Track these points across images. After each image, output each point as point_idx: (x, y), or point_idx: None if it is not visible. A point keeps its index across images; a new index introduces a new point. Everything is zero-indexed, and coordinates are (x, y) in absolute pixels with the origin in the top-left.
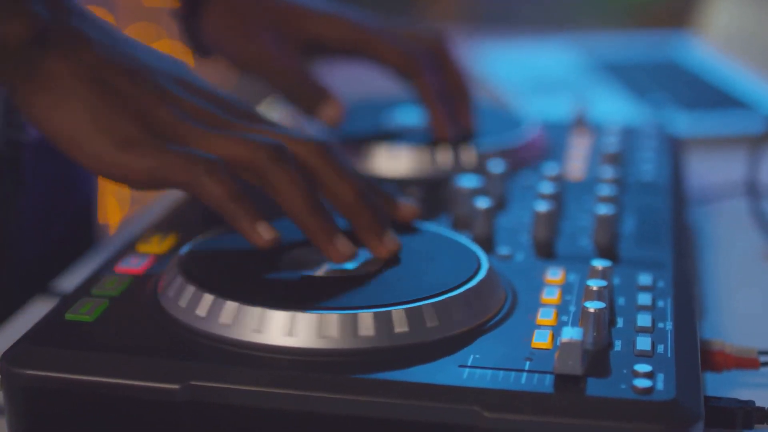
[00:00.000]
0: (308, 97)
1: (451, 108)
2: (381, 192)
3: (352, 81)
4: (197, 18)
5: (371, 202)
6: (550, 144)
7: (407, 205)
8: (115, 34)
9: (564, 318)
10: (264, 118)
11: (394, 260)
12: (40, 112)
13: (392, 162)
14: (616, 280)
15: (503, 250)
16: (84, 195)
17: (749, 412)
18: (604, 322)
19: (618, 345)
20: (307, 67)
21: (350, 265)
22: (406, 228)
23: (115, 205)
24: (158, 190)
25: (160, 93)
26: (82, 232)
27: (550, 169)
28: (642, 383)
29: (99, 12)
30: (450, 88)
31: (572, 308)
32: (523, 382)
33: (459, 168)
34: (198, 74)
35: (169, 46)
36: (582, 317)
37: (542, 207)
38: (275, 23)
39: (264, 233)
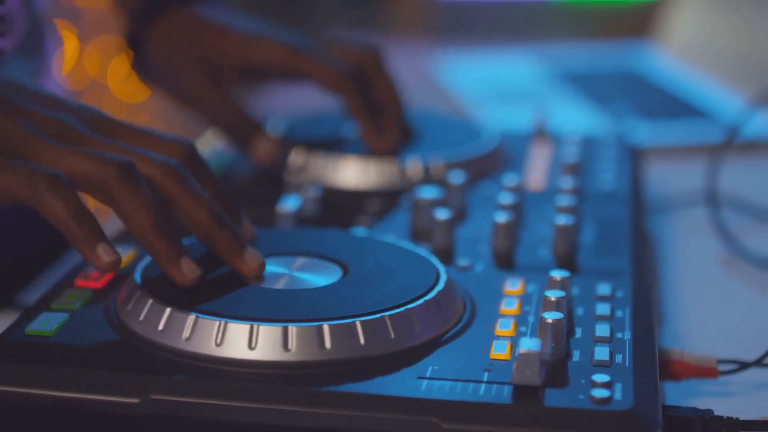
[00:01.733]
0: (243, 134)
1: (382, 121)
2: (232, 208)
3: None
4: (140, 53)
5: (226, 223)
6: (510, 154)
7: (247, 226)
8: None
9: (523, 329)
10: (124, 130)
11: (353, 272)
12: None
13: (353, 174)
14: (575, 290)
15: (463, 260)
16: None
17: (708, 421)
18: (563, 333)
19: (576, 355)
20: (240, 102)
21: (309, 277)
22: (365, 240)
23: None
24: (2, 207)
25: (5, 106)
26: (53, 245)
27: (510, 179)
28: (600, 393)
29: (63, 24)
30: (382, 101)
31: (531, 319)
32: (481, 393)
33: (422, 180)
34: (49, 90)
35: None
36: (540, 328)
37: (502, 217)
38: (208, 53)
39: (103, 255)
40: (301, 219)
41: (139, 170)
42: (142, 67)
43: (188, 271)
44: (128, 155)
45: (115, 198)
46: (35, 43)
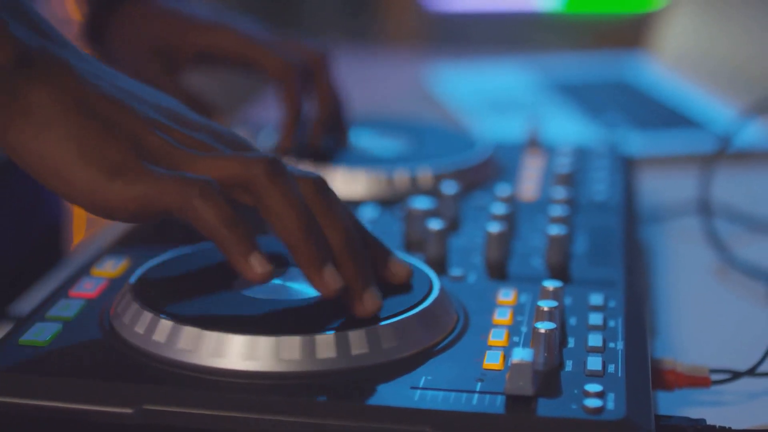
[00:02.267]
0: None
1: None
2: (372, 239)
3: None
4: (101, 43)
5: (358, 253)
6: (503, 164)
7: (400, 263)
8: (100, 65)
9: (516, 339)
10: (259, 150)
11: None
12: (20, 142)
13: (348, 184)
14: (568, 300)
15: (456, 271)
16: (51, 218)
17: (700, 430)
18: (555, 343)
19: (569, 365)
20: (194, 89)
21: (301, 288)
22: None
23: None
24: (149, 220)
25: (148, 121)
26: (50, 255)
27: (503, 189)
28: (592, 403)
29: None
30: (320, 99)
31: (524, 329)
32: (474, 403)
33: (414, 190)
34: (186, 107)
35: None
36: (533, 338)
37: (494, 228)
38: (164, 40)
39: (256, 266)
40: None
41: (286, 167)
42: (103, 57)
43: (331, 279)
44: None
45: (264, 196)
46: None
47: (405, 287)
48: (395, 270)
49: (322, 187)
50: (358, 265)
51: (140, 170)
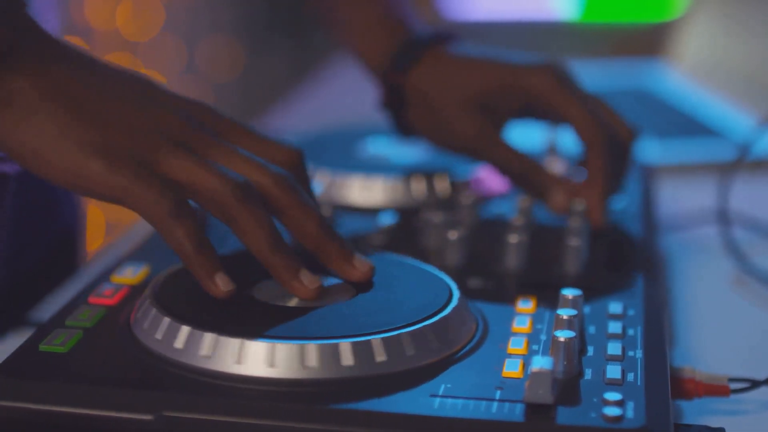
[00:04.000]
0: (537, 185)
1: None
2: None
3: (325, 110)
4: (403, 110)
5: (334, 232)
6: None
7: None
8: (82, 51)
9: (535, 347)
10: (239, 131)
11: (366, 290)
12: (3, 129)
13: (365, 192)
14: (587, 309)
15: (475, 279)
16: (67, 224)
17: None
18: (575, 351)
19: (588, 373)
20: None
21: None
22: (378, 258)
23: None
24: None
25: (133, 104)
26: (66, 262)
27: (522, 197)
28: (612, 411)
29: (76, 42)
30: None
31: (543, 337)
32: (493, 411)
33: (432, 198)
34: (171, 90)
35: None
36: (552, 346)
37: (513, 236)
38: (480, 89)
39: (221, 284)
40: None
41: (255, 190)
42: (403, 124)
43: (309, 282)
44: (245, 164)
45: (233, 216)
46: None
47: (424, 295)
48: (359, 266)
49: (291, 182)
50: (337, 239)
51: (122, 157)
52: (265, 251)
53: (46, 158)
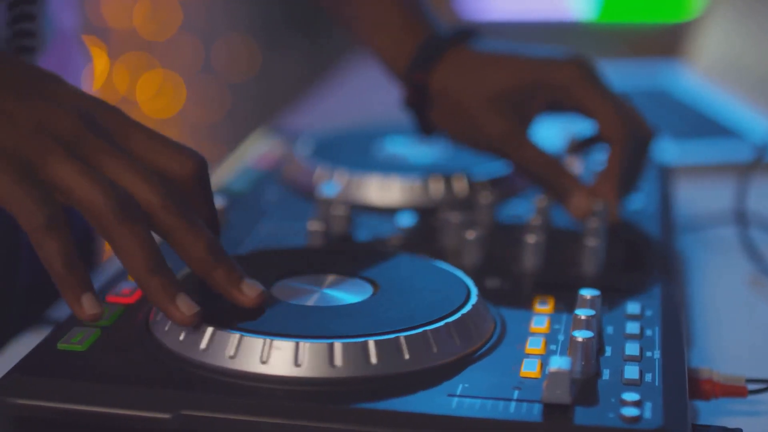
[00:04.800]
0: (559, 187)
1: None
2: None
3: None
4: (427, 109)
5: (222, 256)
6: None
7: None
8: None
9: (553, 347)
10: (137, 132)
11: (385, 290)
12: None
13: (383, 192)
14: (605, 309)
15: (493, 279)
16: (84, 222)
17: None
18: (593, 351)
19: (606, 374)
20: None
21: (340, 295)
22: (397, 258)
23: None
24: None
25: (24, 100)
26: (83, 259)
27: (540, 197)
28: (630, 412)
29: (93, 41)
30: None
31: (561, 337)
32: (511, 411)
33: (450, 198)
34: (72, 85)
35: (162, 75)
36: (570, 346)
37: (531, 236)
38: (505, 85)
39: (87, 307)
40: (329, 236)
41: (138, 207)
42: (426, 123)
43: (185, 308)
44: (133, 176)
45: (111, 234)
46: (63, 60)
47: (443, 295)
48: (247, 291)
49: (176, 203)
50: (224, 264)
51: (5, 156)
52: (141, 273)
53: None
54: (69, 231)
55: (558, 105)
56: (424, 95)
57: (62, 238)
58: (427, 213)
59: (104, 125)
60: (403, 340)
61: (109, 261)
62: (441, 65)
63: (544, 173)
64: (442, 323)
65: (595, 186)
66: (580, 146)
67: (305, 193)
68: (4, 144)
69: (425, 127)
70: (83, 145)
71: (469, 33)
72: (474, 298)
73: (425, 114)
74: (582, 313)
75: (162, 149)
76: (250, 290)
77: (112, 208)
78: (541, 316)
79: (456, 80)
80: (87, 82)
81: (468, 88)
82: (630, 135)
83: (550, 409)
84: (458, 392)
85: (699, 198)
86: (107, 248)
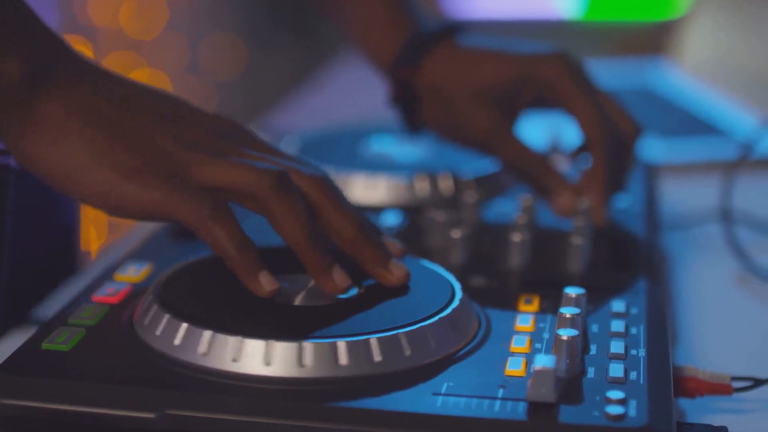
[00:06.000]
0: (544, 184)
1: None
2: (375, 227)
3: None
4: (413, 105)
5: (371, 234)
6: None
7: (393, 243)
8: (109, 72)
9: (538, 345)
10: (268, 146)
11: (369, 289)
12: (35, 152)
13: (369, 191)
14: (590, 307)
15: (478, 278)
16: (65, 222)
17: None
18: (577, 350)
19: (591, 372)
20: (531, 146)
21: (324, 295)
22: None
23: (94, 233)
24: (159, 222)
25: (159, 123)
26: (64, 260)
27: (525, 196)
28: (614, 410)
29: (79, 40)
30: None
31: (546, 335)
32: (496, 409)
33: (436, 197)
34: (196, 105)
35: (149, 74)
36: (555, 344)
37: (517, 234)
38: (491, 81)
39: (266, 284)
40: None
41: (293, 181)
42: (413, 119)
43: (339, 280)
44: (280, 161)
45: (270, 208)
46: None
47: (427, 294)
48: (391, 248)
49: (328, 185)
50: (374, 243)
51: (152, 174)
52: (301, 243)
53: (79, 182)
54: (234, 217)
55: (543, 101)
56: (410, 91)
57: (228, 224)
58: (412, 212)
59: (235, 138)
60: (387, 339)
61: (94, 261)
62: (427, 61)
63: (529, 169)
64: (427, 322)
65: (581, 185)
66: (577, 153)
67: None
68: (153, 166)
69: (411, 123)
70: (223, 149)
71: (455, 29)
72: (458, 298)
73: (411, 110)
74: (567, 311)
75: (290, 157)
76: (397, 270)
77: (268, 182)
78: (526, 315)
79: (442, 76)
80: None
81: (454, 84)
82: (609, 135)
83: (535, 407)
84: (443, 391)
85: (685, 196)
86: (92, 249)
